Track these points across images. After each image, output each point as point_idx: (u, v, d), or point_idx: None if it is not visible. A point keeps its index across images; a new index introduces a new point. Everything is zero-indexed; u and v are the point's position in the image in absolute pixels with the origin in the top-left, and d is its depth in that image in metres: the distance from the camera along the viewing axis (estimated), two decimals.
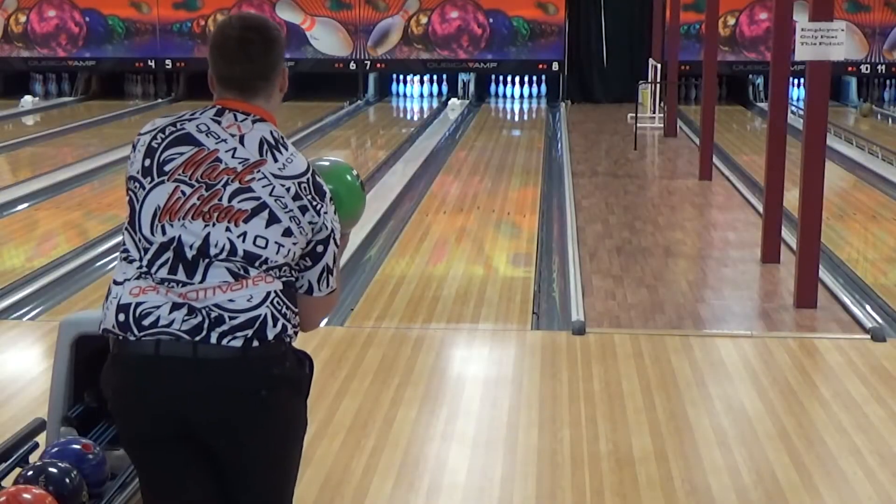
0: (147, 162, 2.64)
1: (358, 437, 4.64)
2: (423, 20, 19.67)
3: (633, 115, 14.45)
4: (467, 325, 6.37)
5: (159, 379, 2.60)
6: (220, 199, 2.60)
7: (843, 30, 6.44)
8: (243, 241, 2.59)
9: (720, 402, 5.09)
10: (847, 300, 6.73)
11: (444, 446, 4.60)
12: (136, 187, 2.65)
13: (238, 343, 2.57)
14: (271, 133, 2.71)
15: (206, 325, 2.57)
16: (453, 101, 18.55)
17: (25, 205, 10.13)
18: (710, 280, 7.53)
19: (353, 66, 19.69)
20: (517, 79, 20.13)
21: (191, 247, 2.59)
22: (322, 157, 2.95)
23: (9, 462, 3.60)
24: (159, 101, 19.75)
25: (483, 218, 9.51)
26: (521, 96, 20.12)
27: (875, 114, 18.31)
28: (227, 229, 2.59)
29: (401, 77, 20.29)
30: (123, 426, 2.73)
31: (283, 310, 2.62)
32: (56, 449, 3.56)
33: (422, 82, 20.22)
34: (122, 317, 2.62)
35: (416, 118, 18.21)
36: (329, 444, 4.56)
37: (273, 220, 2.60)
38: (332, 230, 2.69)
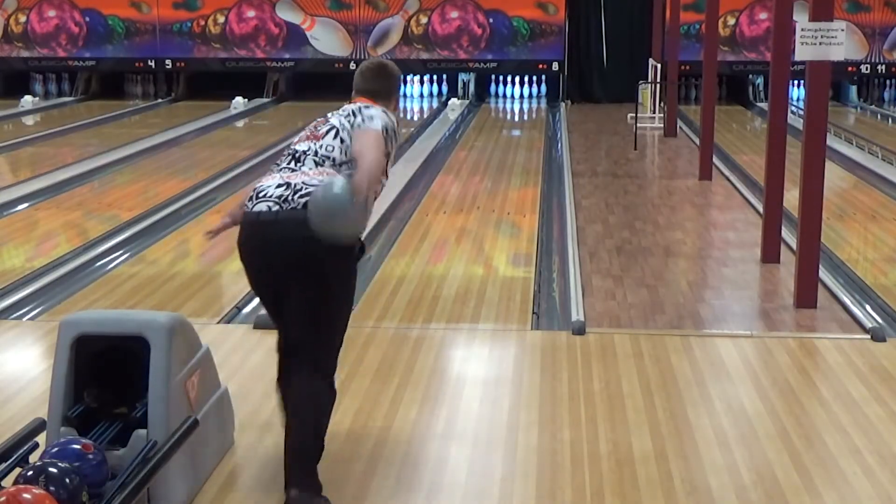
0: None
1: (358, 437, 4.64)
2: (423, 20, 19.67)
3: (633, 115, 14.45)
4: (467, 325, 6.36)
5: (257, 234, 4.07)
6: (317, 130, 4.29)
7: (843, 30, 6.44)
8: (321, 148, 4.20)
9: (720, 402, 5.09)
10: (847, 300, 6.73)
11: (444, 446, 4.61)
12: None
13: (302, 201, 3.99)
14: (366, 105, 4.36)
15: (290, 193, 4.05)
16: (453, 101, 18.55)
17: (25, 205, 10.12)
18: (710, 280, 7.53)
19: (353, 66, 19.66)
20: (517, 79, 20.12)
21: (300, 151, 4.23)
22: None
23: (9, 462, 3.60)
24: (159, 101, 19.74)
25: (483, 218, 9.51)
26: (521, 96, 20.12)
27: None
28: (314, 142, 4.24)
29: (401, 77, 20.27)
30: (245, 266, 4.18)
31: None
32: (56, 449, 3.57)
33: (422, 82, 20.22)
34: (252, 193, 4.15)
35: (416, 118, 18.21)
36: (329, 444, 4.56)
37: (334, 132, 4.24)
38: (371, 114, 4.28)
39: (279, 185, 4.09)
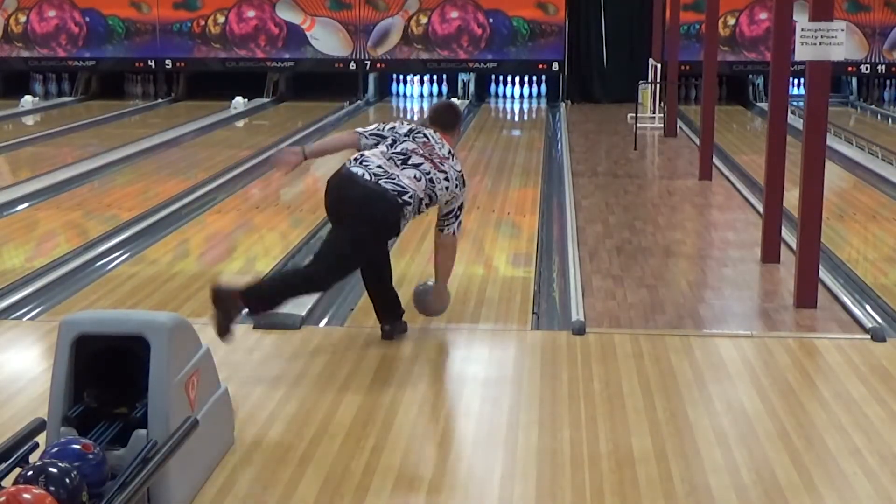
0: (407, 133, 5.78)
1: (358, 437, 4.65)
2: (423, 20, 19.67)
3: (633, 115, 14.45)
4: (467, 325, 6.36)
5: (348, 186, 5.55)
6: (433, 159, 5.69)
7: (843, 30, 6.44)
8: (435, 177, 5.64)
9: (720, 402, 5.09)
10: (847, 300, 6.73)
11: (444, 446, 4.61)
12: (394, 136, 5.78)
13: (388, 186, 5.50)
14: (451, 150, 5.84)
15: (385, 177, 5.54)
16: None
17: (25, 205, 10.13)
18: (710, 280, 7.53)
19: (353, 66, 19.70)
20: (517, 79, 20.13)
21: (410, 160, 5.65)
22: None
23: (9, 462, 3.61)
24: (159, 101, 19.74)
25: (483, 218, 9.52)
26: (521, 96, 20.12)
27: None
28: (433, 168, 5.67)
29: (401, 77, 20.30)
30: (327, 201, 5.66)
31: (415, 201, 5.56)
32: (56, 449, 3.57)
33: (422, 82, 20.22)
34: (357, 156, 5.69)
35: (416, 118, 18.21)
36: (329, 444, 4.57)
37: (446, 179, 5.69)
38: (462, 202, 5.81)
39: (379, 167, 5.56)
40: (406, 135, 5.77)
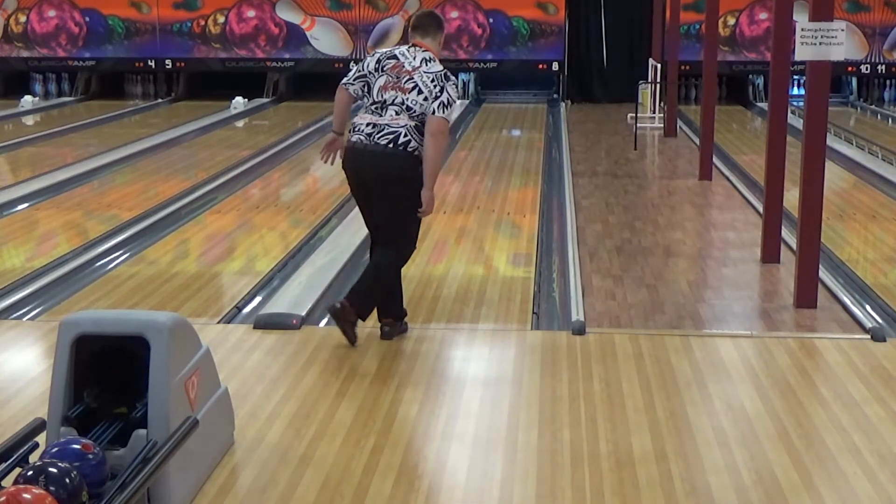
0: (376, 65, 5.87)
1: (358, 437, 4.64)
2: None
3: (633, 115, 14.45)
4: (467, 325, 6.36)
5: (355, 158, 5.79)
6: (400, 82, 5.79)
7: (843, 30, 6.44)
8: (406, 100, 5.74)
9: (720, 402, 5.09)
10: (847, 300, 6.73)
11: (444, 446, 4.61)
12: (370, 76, 5.87)
13: (384, 141, 5.71)
14: (428, 56, 5.86)
15: (376, 131, 5.73)
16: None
17: (25, 205, 10.13)
18: (710, 280, 7.53)
19: (353, 65, 19.64)
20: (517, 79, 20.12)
21: (386, 100, 5.77)
22: None
23: (9, 462, 3.61)
24: (159, 101, 19.74)
25: (483, 218, 9.51)
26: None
27: None
28: (400, 93, 5.77)
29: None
30: (347, 178, 5.90)
31: (411, 133, 5.72)
32: (56, 449, 3.57)
33: None
34: (350, 127, 5.85)
35: None
36: (329, 444, 4.57)
37: (419, 91, 5.75)
38: (448, 94, 5.76)
39: (368, 125, 5.76)
40: (376, 69, 5.86)
